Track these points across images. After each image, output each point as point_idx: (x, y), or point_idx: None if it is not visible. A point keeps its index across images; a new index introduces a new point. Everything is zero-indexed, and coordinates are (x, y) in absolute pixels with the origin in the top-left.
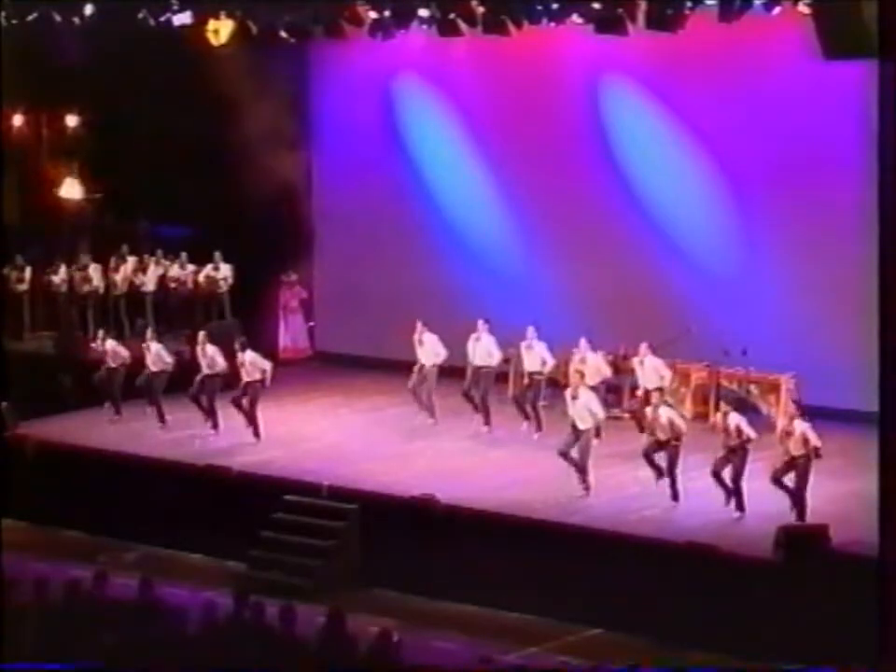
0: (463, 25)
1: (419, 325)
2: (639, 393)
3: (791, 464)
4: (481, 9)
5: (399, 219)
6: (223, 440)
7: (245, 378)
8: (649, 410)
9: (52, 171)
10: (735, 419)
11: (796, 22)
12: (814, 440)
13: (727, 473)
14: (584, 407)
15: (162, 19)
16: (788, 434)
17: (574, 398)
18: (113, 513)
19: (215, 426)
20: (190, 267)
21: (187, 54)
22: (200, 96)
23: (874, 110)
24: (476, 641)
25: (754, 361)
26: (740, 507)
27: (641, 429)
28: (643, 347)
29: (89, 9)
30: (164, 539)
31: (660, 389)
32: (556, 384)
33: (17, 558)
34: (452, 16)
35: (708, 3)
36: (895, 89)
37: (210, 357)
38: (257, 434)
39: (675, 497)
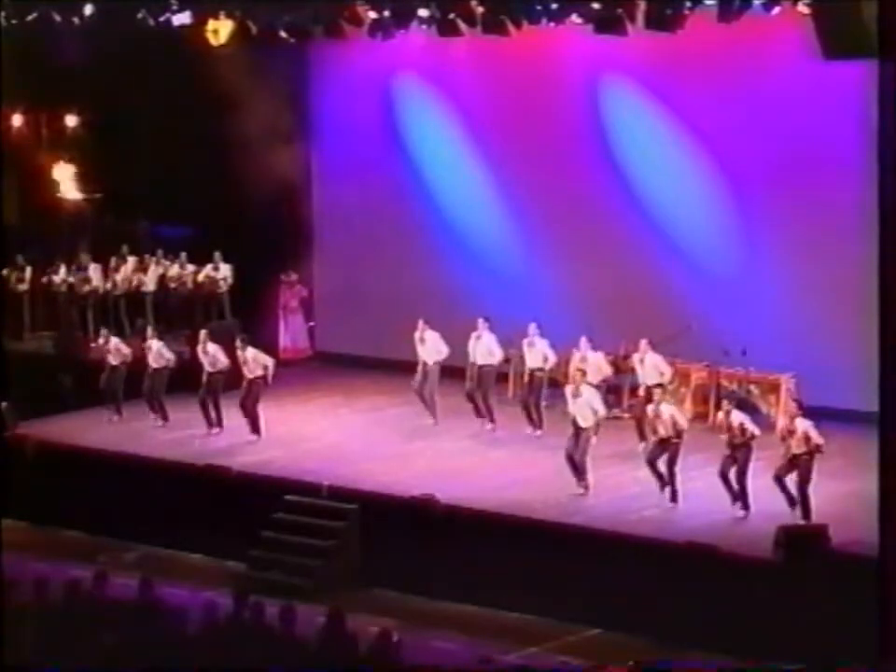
0: (463, 25)
1: (420, 323)
2: (640, 393)
3: (793, 462)
4: (480, 9)
5: (399, 219)
6: (223, 440)
7: (248, 375)
8: (650, 407)
9: (52, 171)
10: (738, 417)
11: (796, 22)
12: (816, 438)
13: (733, 474)
14: (587, 404)
15: (162, 19)
16: (790, 433)
17: (576, 395)
18: (113, 513)
19: (219, 424)
20: (190, 267)
21: (186, 54)
22: (199, 96)
23: (874, 110)
24: (476, 641)
25: (754, 361)
26: (745, 506)
27: (642, 437)
28: (643, 344)
29: (88, 9)
30: (164, 539)
31: (660, 386)
32: (556, 383)
33: (17, 558)
34: (451, 16)
35: (708, 3)
36: (895, 89)
37: (212, 355)
38: (256, 430)
39: (674, 497)
